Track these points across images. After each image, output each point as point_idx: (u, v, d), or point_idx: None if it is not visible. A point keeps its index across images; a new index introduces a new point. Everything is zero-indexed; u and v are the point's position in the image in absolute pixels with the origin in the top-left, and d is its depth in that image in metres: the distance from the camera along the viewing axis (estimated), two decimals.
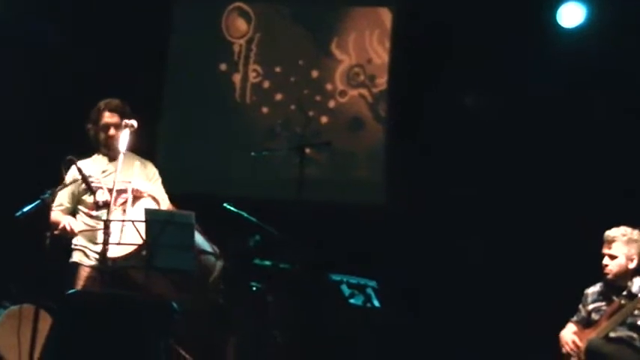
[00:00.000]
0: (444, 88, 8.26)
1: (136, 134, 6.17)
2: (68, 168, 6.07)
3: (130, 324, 5.18)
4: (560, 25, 8.13)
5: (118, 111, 6.31)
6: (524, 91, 7.92)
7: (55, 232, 6.04)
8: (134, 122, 6.18)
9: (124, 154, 6.11)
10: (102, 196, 6.16)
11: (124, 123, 6.17)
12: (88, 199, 6.21)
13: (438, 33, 8.33)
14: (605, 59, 7.75)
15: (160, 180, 6.49)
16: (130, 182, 6.19)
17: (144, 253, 5.70)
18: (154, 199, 6.19)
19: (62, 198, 6.26)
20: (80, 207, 6.27)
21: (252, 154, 7.89)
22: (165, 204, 6.28)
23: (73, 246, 6.25)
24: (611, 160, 7.54)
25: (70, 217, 6.23)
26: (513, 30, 7.93)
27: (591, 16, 8.03)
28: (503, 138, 7.95)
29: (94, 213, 6.21)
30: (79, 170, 5.97)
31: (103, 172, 6.31)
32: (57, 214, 6.21)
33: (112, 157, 6.33)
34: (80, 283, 6.07)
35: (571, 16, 8.11)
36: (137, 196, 6.19)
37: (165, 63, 9.20)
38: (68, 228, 6.12)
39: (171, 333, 5.43)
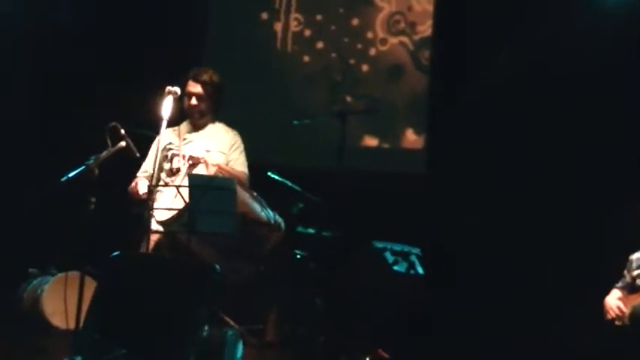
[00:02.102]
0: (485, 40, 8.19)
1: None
2: (112, 134, 6.12)
3: (171, 285, 5.21)
4: None
5: (200, 81, 6.41)
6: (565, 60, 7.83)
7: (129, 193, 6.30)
8: (177, 89, 6.22)
9: (209, 123, 6.42)
10: (177, 163, 6.27)
11: (167, 90, 6.21)
12: (166, 165, 6.30)
13: None
14: None
15: (239, 149, 6.53)
16: (209, 151, 6.30)
17: (186, 217, 5.76)
18: (221, 168, 6.24)
19: (147, 165, 6.45)
20: (162, 174, 6.36)
21: (295, 122, 7.88)
22: (237, 173, 6.34)
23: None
24: None
25: (141, 182, 6.34)
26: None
27: None
28: (546, 103, 7.86)
29: (168, 179, 6.28)
30: (123, 136, 6.01)
31: (184, 139, 6.41)
32: (138, 180, 6.40)
33: (196, 125, 6.47)
34: (146, 246, 6.16)
35: None
36: (195, 164, 6.26)
37: (208, 13, 9.20)
38: (134, 189, 6.29)
39: (214, 296, 5.44)
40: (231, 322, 6.50)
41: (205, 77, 6.42)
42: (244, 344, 5.90)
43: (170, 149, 6.35)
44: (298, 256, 7.33)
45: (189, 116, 6.51)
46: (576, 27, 7.76)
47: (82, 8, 8.83)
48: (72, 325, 5.72)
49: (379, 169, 8.58)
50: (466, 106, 8.09)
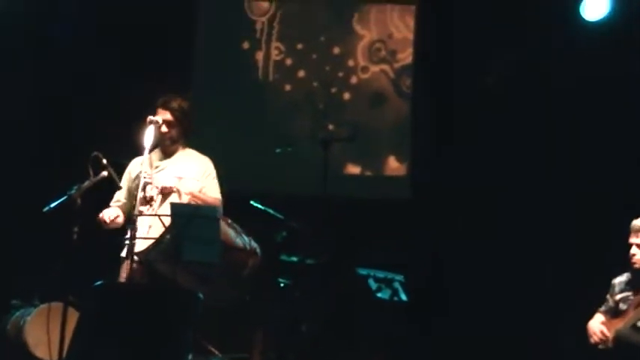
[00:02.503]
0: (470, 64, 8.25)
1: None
2: (94, 164, 6.12)
3: (154, 313, 5.20)
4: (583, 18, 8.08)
5: (170, 108, 6.40)
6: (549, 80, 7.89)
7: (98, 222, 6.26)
8: (159, 118, 6.29)
9: (180, 150, 6.41)
10: (150, 191, 6.27)
11: (148, 119, 6.26)
12: (139, 194, 6.29)
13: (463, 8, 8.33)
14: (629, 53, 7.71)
15: (212, 176, 6.51)
16: (181, 178, 6.30)
17: (166, 241, 5.77)
18: (194, 196, 6.25)
19: (120, 195, 6.43)
20: (135, 203, 6.36)
21: (277, 150, 7.89)
22: (211, 200, 6.34)
23: (125, 241, 6.34)
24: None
25: (110, 209, 6.35)
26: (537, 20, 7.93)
27: (615, 8, 7.97)
28: (529, 125, 7.90)
29: (142, 208, 6.28)
30: (105, 166, 6.02)
31: (156, 167, 6.40)
32: (109, 209, 6.37)
33: (167, 152, 6.47)
34: (123, 276, 6.14)
35: (595, 8, 8.05)
36: (168, 193, 6.27)
37: (192, 46, 9.22)
38: (101, 217, 6.26)
39: (196, 324, 5.44)
40: (215, 351, 6.49)
41: (174, 104, 6.42)
42: None
43: (143, 178, 6.32)
44: (282, 285, 7.33)
45: (159, 144, 6.50)
46: (559, 50, 7.84)
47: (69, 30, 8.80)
48: (55, 357, 5.71)
49: (362, 196, 8.58)
50: (449, 134, 8.15)
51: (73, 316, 5.77)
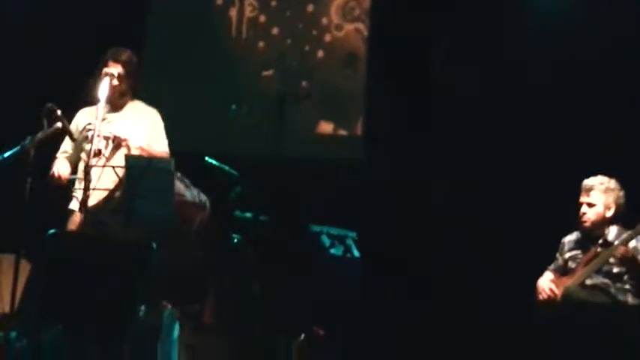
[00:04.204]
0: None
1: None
2: (48, 116, 6.07)
3: (108, 264, 5.20)
4: None
5: (120, 61, 6.38)
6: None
7: (49, 177, 6.24)
8: (113, 71, 6.26)
9: (128, 103, 6.43)
10: (98, 144, 6.23)
11: (103, 72, 6.24)
12: (86, 146, 6.26)
13: None
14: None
15: (160, 129, 6.53)
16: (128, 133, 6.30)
17: (117, 197, 5.76)
18: (143, 149, 6.23)
19: (66, 145, 6.43)
20: (82, 155, 6.32)
21: (233, 107, 7.87)
22: (160, 154, 6.34)
23: (73, 193, 6.31)
24: (591, 109, 7.55)
25: (61, 164, 6.31)
26: None
27: None
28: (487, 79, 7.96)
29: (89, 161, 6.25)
30: (59, 117, 5.98)
31: (104, 119, 6.34)
32: (57, 161, 6.37)
33: (115, 105, 6.44)
34: (71, 229, 6.11)
35: None
36: (120, 144, 6.25)
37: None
38: (56, 174, 6.22)
39: (151, 275, 5.44)
40: (167, 305, 6.49)
41: (125, 57, 6.41)
42: (181, 326, 5.91)
43: (90, 130, 6.28)
44: (235, 240, 7.33)
45: (109, 97, 6.44)
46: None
47: None
48: (7, 308, 5.69)
49: (333, 156, 8.60)
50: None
51: (25, 268, 5.76)
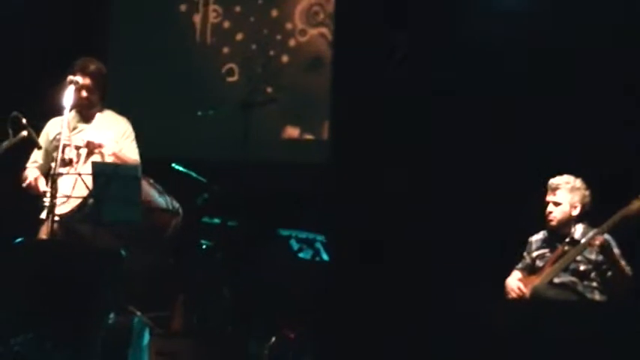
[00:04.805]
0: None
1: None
2: (13, 125, 6.06)
3: (76, 271, 5.19)
4: None
5: (88, 73, 6.35)
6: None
7: (23, 186, 6.22)
8: (79, 78, 6.25)
9: (98, 112, 6.40)
10: (69, 153, 6.22)
11: (68, 79, 6.22)
12: (58, 156, 6.23)
13: None
14: None
15: (131, 138, 6.51)
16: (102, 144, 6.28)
17: (89, 204, 5.75)
18: (116, 156, 6.23)
19: (37, 155, 6.40)
20: (52, 164, 6.30)
21: (199, 113, 7.87)
22: (131, 162, 6.31)
23: (43, 203, 6.29)
24: (555, 110, 7.60)
25: (36, 174, 6.30)
26: None
27: None
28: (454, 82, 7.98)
29: (60, 170, 6.22)
30: (25, 126, 5.97)
31: (74, 129, 6.35)
32: (29, 171, 6.36)
33: (85, 116, 6.44)
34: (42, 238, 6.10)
35: None
36: (93, 151, 6.24)
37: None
38: (33, 184, 6.19)
39: (120, 282, 5.44)
40: (137, 312, 6.48)
41: (93, 68, 6.39)
42: (150, 332, 5.90)
43: (62, 140, 6.26)
44: (204, 247, 7.34)
45: (77, 107, 6.43)
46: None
47: None
48: None
49: (300, 160, 8.61)
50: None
51: None
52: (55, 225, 5.83)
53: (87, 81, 6.34)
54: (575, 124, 7.44)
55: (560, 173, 6.43)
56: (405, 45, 8.19)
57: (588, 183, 6.40)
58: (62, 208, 5.95)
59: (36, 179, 6.26)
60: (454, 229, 7.57)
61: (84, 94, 6.34)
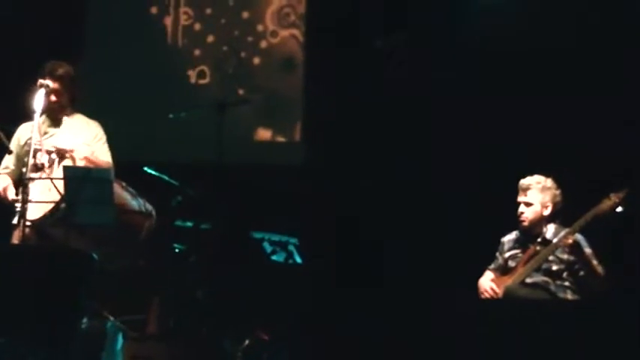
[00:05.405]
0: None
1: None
2: None
3: (48, 276, 5.16)
4: None
5: (57, 76, 6.34)
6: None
7: None
8: (49, 82, 6.23)
9: (68, 116, 6.40)
10: (41, 158, 6.20)
11: (38, 83, 6.20)
12: (29, 161, 6.21)
13: None
14: None
15: (102, 140, 6.51)
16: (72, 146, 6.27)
17: (62, 208, 5.73)
18: (89, 160, 6.21)
19: (8, 161, 6.40)
20: (24, 169, 6.27)
21: (171, 116, 7.85)
22: (104, 164, 6.32)
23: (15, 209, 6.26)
24: (525, 111, 7.63)
25: (7, 182, 6.29)
26: None
27: None
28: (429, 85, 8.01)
29: (32, 175, 6.20)
30: None
31: (45, 133, 6.34)
32: (0, 177, 6.32)
33: (55, 120, 6.43)
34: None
35: None
36: (64, 156, 6.22)
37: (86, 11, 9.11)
38: (2, 194, 6.22)
39: (93, 286, 5.42)
40: (110, 316, 6.46)
41: (61, 71, 6.37)
42: (124, 337, 5.88)
43: (33, 144, 6.25)
44: (177, 250, 7.33)
45: (47, 111, 6.41)
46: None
47: None
48: None
49: (272, 162, 8.62)
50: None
51: None
52: (27, 230, 5.83)
53: (56, 85, 6.33)
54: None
55: (532, 173, 6.47)
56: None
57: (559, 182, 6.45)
58: (34, 212, 5.94)
59: (4, 189, 6.26)
60: (428, 231, 7.60)
61: (53, 98, 6.33)
